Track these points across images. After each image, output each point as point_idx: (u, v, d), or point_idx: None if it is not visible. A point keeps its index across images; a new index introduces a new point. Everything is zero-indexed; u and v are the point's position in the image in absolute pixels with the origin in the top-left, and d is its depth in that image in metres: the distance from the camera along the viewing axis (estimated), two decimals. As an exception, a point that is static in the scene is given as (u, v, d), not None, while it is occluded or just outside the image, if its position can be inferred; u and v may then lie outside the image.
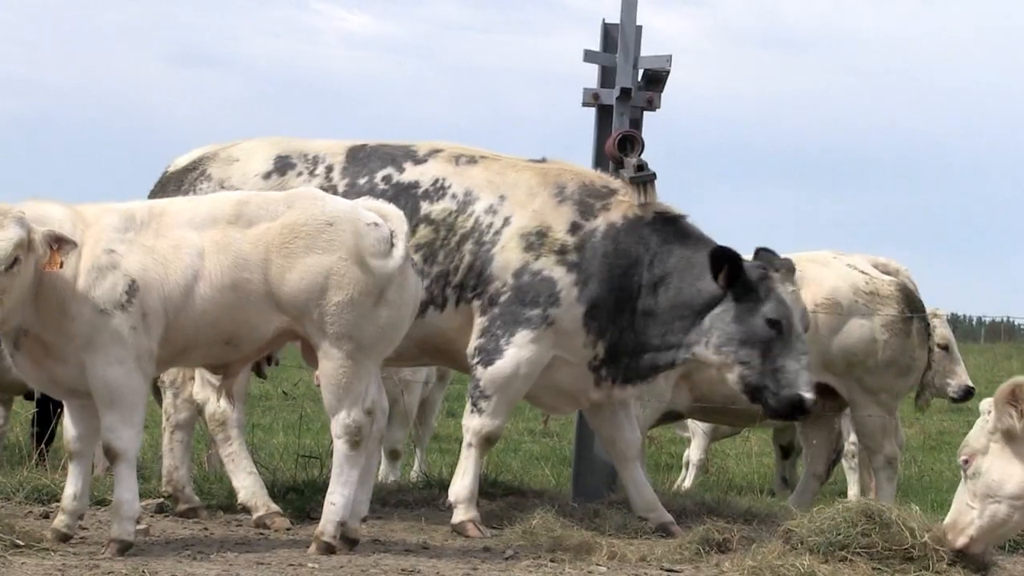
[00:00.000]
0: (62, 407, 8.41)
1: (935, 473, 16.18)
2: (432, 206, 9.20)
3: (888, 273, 11.25)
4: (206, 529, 8.86)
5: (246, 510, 9.14)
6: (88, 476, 8.19)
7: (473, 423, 9.14)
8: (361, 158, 9.40)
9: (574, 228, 9.12)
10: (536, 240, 9.07)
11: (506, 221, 9.13)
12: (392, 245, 7.99)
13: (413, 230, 9.06)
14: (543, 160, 9.53)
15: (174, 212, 8.02)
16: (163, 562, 7.57)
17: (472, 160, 9.39)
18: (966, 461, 7.82)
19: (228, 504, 9.43)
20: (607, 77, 10.58)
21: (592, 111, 10.67)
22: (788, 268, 9.16)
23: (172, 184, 9.47)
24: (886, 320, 10.81)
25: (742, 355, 8.96)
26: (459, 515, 9.01)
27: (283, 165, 9.38)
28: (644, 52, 10.49)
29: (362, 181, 9.27)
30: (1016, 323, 44.96)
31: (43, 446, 11.53)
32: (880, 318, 10.80)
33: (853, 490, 12.75)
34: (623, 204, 9.21)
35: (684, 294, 9.06)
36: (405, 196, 9.19)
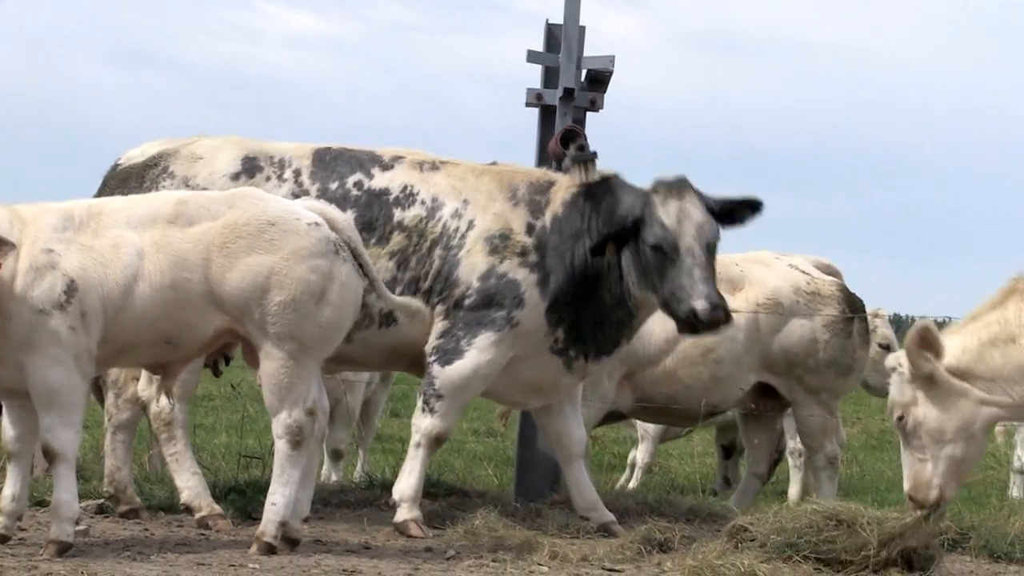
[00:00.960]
0: (0, 408, 8.36)
1: (876, 473, 16.31)
2: (404, 213, 9.21)
3: (830, 274, 11.32)
4: (147, 530, 8.82)
5: (188, 510, 9.09)
6: (27, 477, 8.14)
7: (424, 423, 9.12)
8: (328, 162, 9.37)
9: (529, 228, 9.15)
10: (500, 243, 9.09)
11: (470, 225, 9.14)
12: (334, 245, 7.99)
13: (387, 237, 9.11)
14: (494, 163, 9.55)
15: (112, 211, 7.97)
16: (103, 563, 7.53)
17: (434, 166, 9.40)
18: (900, 418, 7.88)
19: (169, 505, 9.39)
20: (550, 78, 10.60)
21: (535, 111, 10.70)
22: (672, 185, 8.97)
23: (133, 180, 9.36)
24: (827, 320, 10.88)
25: (649, 286, 8.94)
26: (402, 514, 9.00)
27: (251, 167, 9.33)
28: (587, 53, 10.52)
29: (334, 186, 9.25)
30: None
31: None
32: (821, 318, 10.87)
33: (794, 489, 12.82)
34: (560, 191, 9.24)
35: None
36: (378, 202, 9.20)
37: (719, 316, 8.80)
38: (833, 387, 11.09)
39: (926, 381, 7.79)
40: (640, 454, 14.49)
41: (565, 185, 9.28)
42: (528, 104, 10.66)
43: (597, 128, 10.43)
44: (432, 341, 9.09)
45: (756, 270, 10.96)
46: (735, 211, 9.11)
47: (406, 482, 9.09)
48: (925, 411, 7.80)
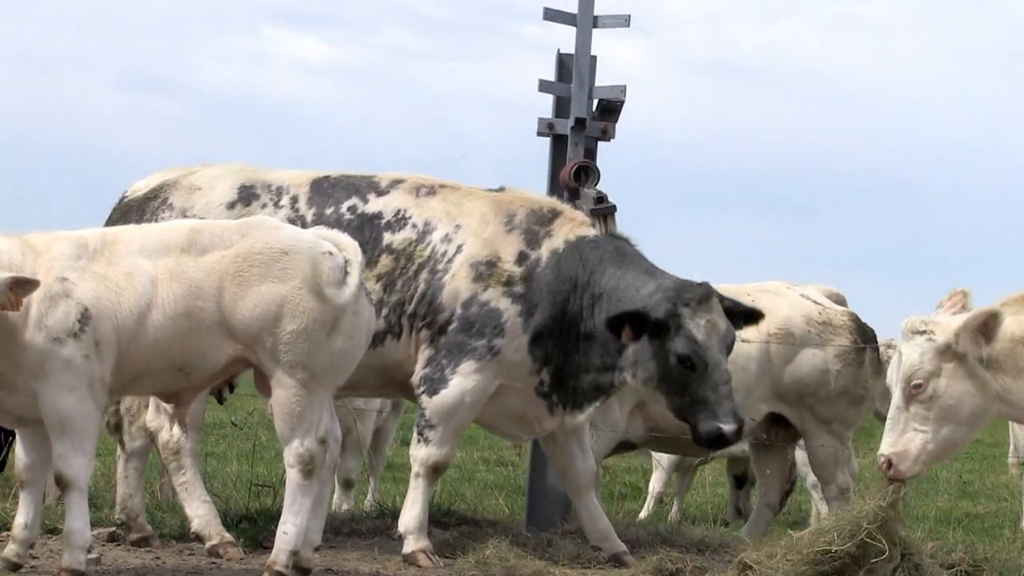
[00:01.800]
0: (14, 435, 8.36)
1: (888, 503, 16.22)
2: (393, 236, 9.23)
3: (840, 304, 11.30)
4: (158, 558, 8.82)
5: (199, 539, 9.09)
6: (39, 505, 8.15)
7: (420, 453, 9.13)
8: (326, 189, 9.41)
9: (521, 258, 9.14)
10: (485, 270, 9.08)
11: (458, 249, 9.14)
12: (347, 274, 7.99)
13: (375, 260, 9.12)
14: (502, 189, 9.55)
15: (126, 240, 7.99)
16: (114, 591, 7.53)
17: (431, 191, 9.41)
18: (919, 385, 7.73)
19: (181, 533, 9.39)
20: (562, 107, 10.62)
21: (547, 140, 10.71)
22: (701, 297, 8.96)
23: (134, 213, 9.44)
24: (839, 350, 10.86)
25: (663, 390, 8.95)
26: (410, 545, 8.99)
27: (247, 195, 9.37)
28: (599, 82, 10.54)
29: (328, 211, 9.28)
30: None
31: (-6, 474, 11.45)
32: (833, 348, 10.84)
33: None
34: (564, 227, 9.22)
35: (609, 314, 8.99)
36: (369, 227, 9.23)
37: (740, 437, 9.01)
38: (845, 417, 11.06)
39: (958, 358, 7.65)
40: (653, 483, 14.47)
41: (572, 222, 9.25)
42: (540, 133, 10.67)
43: (608, 157, 10.47)
44: (419, 371, 9.11)
45: (767, 300, 10.93)
46: (740, 317, 9.19)
47: (409, 513, 9.09)
48: (948, 386, 7.64)
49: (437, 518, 10.49)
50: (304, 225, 9.07)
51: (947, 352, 7.72)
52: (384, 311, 9.03)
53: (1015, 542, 10.97)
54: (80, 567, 7.77)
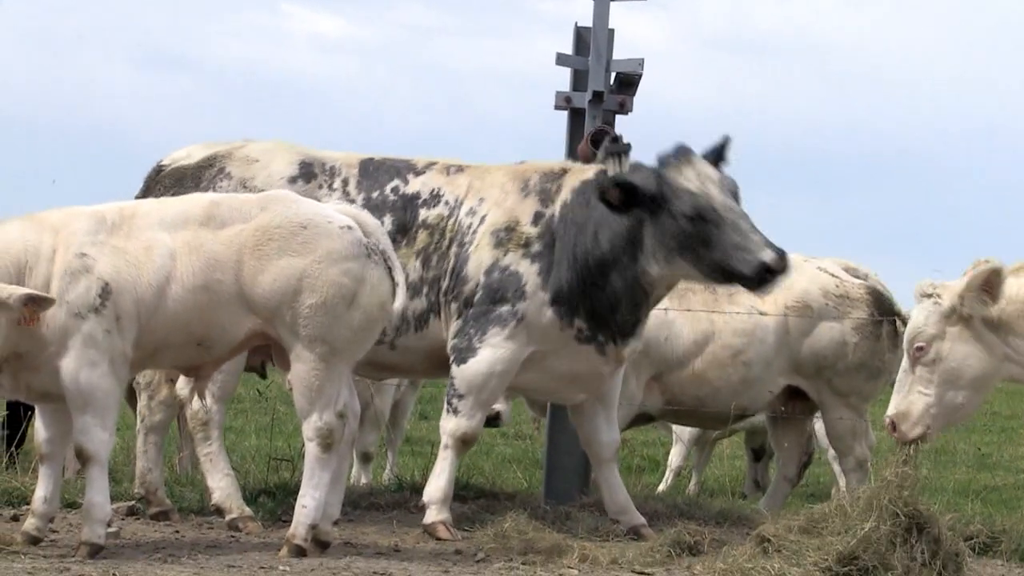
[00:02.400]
0: (33, 410, 8.39)
1: (906, 476, 16.24)
2: (428, 212, 9.30)
3: (857, 277, 11.29)
4: (177, 532, 8.85)
5: (219, 512, 9.11)
6: (59, 479, 8.18)
7: (449, 424, 9.13)
8: (371, 172, 9.49)
9: (536, 218, 9.16)
10: (504, 236, 9.10)
11: (482, 220, 9.20)
12: (366, 249, 8.00)
13: (415, 237, 9.20)
14: (522, 163, 9.57)
15: (144, 214, 8.00)
16: (134, 565, 7.56)
17: (460, 169, 9.50)
18: (921, 348, 7.73)
19: (200, 507, 9.42)
20: (579, 80, 10.60)
21: (564, 114, 10.69)
22: (677, 153, 8.91)
23: (189, 180, 9.40)
24: (856, 323, 10.86)
25: (691, 259, 8.83)
26: (431, 516, 9.00)
27: (308, 172, 9.41)
28: (616, 56, 10.52)
29: (375, 194, 9.37)
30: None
31: (13, 449, 11.49)
32: (850, 321, 10.84)
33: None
34: (571, 178, 9.24)
35: (615, 228, 8.98)
36: (410, 206, 9.31)
37: (787, 263, 8.73)
38: (862, 390, 11.06)
39: (963, 321, 7.62)
40: (672, 457, 14.48)
41: (581, 172, 9.27)
42: (557, 107, 10.65)
43: (626, 131, 10.40)
44: (449, 341, 9.12)
45: None
46: (720, 154, 9.10)
47: (435, 484, 9.09)
48: (951, 349, 7.63)
49: (456, 491, 10.48)
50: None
51: (952, 315, 7.70)
52: (424, 289, 9.10)
53: (1034, 514, 10.95)
54: (100, 541, 7.80)
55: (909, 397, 7.83)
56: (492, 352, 9.00)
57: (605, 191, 8.82)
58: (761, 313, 10.73)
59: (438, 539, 8.83)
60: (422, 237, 9.24)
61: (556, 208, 9.17)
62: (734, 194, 8.92)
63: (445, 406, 9.17)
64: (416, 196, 9.36)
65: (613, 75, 10.53)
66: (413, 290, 9.07)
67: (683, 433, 14.15)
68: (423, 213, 9.29)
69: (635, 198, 8.80)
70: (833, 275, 11.08)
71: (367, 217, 8.29)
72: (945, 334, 7.72)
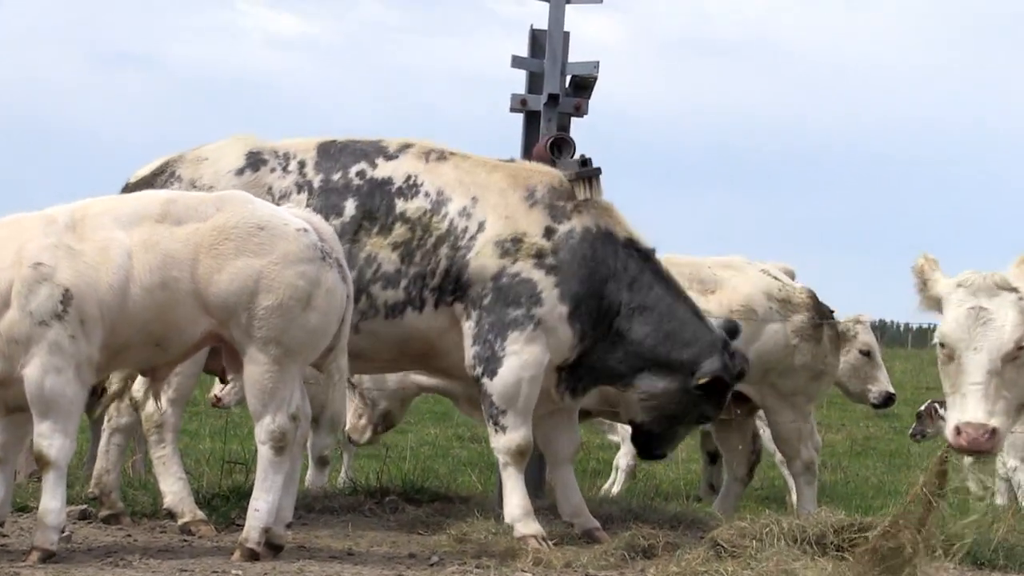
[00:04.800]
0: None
1: (861, 479, 16.30)
2: (407, 203, 9.09)
3: (791, 279, 11.35)
4: (130, 536, 8.80)
5: (171, 515, 9.07)
6: (11, 483, 8.13)
7: (500, 442, 8.99)
8: (333, 154, 9.29)
9: (548, 232, 9.03)
10: (512, 246, 8.97)
11: (480, 227, 9.02)
12: (322, 252, 7.97)
13: (390, 227, 9.03)
14: (511, 160, 9.49)
15: (96, 214, 7.92)
16: (85, 570, 7.52)
17: (442, 156, 9.28)
18: (1022, 348, 7.08)
19: (153, 511, 9.36)
20: (535, 83, 10.60)
21: (520, 116, 10.69)
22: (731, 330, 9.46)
23: (145, 189, 9.33)
24: (797, 326, 10.91)
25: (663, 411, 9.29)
26: (519, 531, 8.83)
27: (256, 161, 9.26)
28: (572, 58, 10.52)
29: (336, 176, 9.17)
30: (942, 329, 45.09)
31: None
32: (792, 324, 10.89)
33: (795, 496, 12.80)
34: (591, 208, 9.16)
35: (653, 340, 9.09)
36: (380, 192, 9.11)
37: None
38: (806, 391, 11.11)
39: None
40: (623, 458, 14.47)
41: (597, 210, 9.17)
42: (513, 109, 10.65)
43: (582, 133, 10.44)
44: (468, 348, 8.97)
45: (729, 275, 10.98)
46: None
47: (511, 503, 8.94)
48: None
49: (410, 495, 10.51)
50: (311, 191, 9.07)
51: None
52: (403, 282, 8.97)
53: (986, 515, 10.96)
54: (52, 547, 7.75)
55: (999, 403, 7.05)
56: (517, 359, 8.88)
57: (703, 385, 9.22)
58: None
59: (535, 552, 8.52)
60: (400, 230, 9.05)
61: (575, 227, 9.05)
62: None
63: (490, 425, 9.04)
64: (388, 182, 9.15)
65: (569, 78, 10.53)
66: (386, 280, 8.98)
67: (629, 433, 14.13)
68: (400, 204, 9.09)
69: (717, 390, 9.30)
70: (775, 278, 11.12)
71: (321, 222, 8.25)
72: None
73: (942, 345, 7.27)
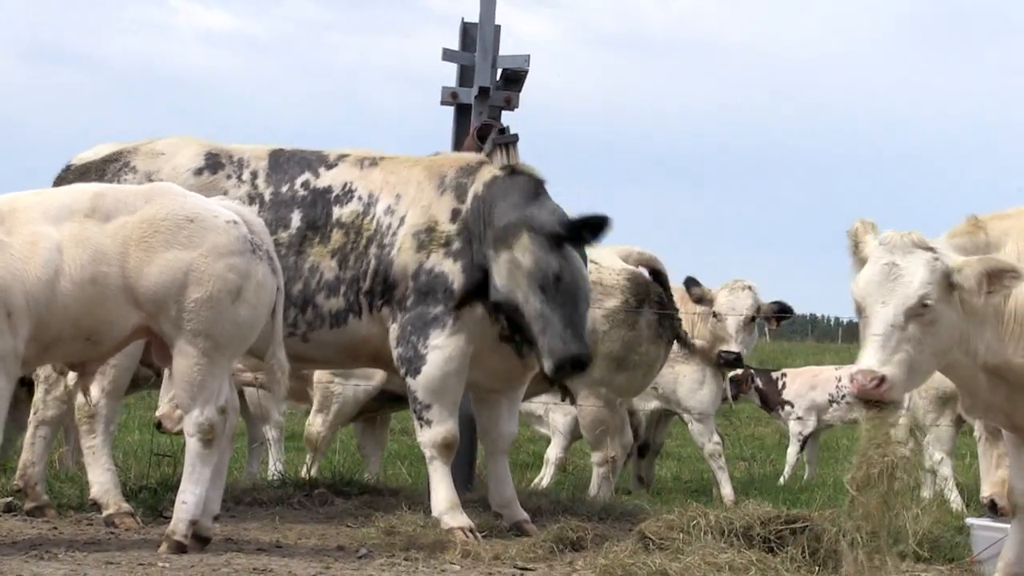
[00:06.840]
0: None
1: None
2: (342, 209, 9.19)
3: (645, 265, 11.24)
4: (55, 528, 8.75)
5: (97, 506, 9.02)
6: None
7: (426, 436, 9.02)
8: (282, 164, 9.38)
9: (454, 215, 9.09)
10: (425, 237, 9.02)
11: (401, 221, 9.10)
12: (252, 245, 7.95)
13: (328, 235, 9.11)
14: (438, 154, 9.51)
15: (25, 207, 7.86)
16: (10, 562, 7.45)
17: (373, 162, 9.39)
18: (927, 306, 7.09)
19: (79, 504, 9.31)
20: (466, 76, 10.61)
21: (451, 110, 10.69)
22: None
23: (93, 174, 9.27)
24: (607, 312, 10.84)
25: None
26: (448, 524, 8.84)
27: (214, 163, 9.32)
28: (503, 52, 10.54)
29: (284, 189, 9.28)
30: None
31: None
32: (602, 310, 10.81)
33: (726, 489, 12.84)
34: (486, 172, 9.20)
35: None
36: (321, 201, 9.21)
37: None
38: (612, 382, 11.06)
39: (952, 289, 7.13)
40: (552, 450, 14.49)
41: (491, 167, 9.22)
42: (443, 103, 10.66)
43: (512, 126, 10.43)
44: (394, 350, 9.02)
45: None
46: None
47: (438, 497, 8.97)
48: (944, 314, 7.07)
49: (340, 487, 10.49)
50: (263, 203, 9.12)
51: (946, 279, 7.15)
52: (342, 288, 9.02)
53: (910, 510, 11.03)
54: (-24, 538, 7.69)
55: (897, 355, 7.06)
56: (440, 353, 8.91)
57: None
58: None
59: (463, 544, 8.49)
60: (337, 236, 9.12)
61: (469, 203, 9.11)
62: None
63: (416, 421, 9.08)
64: (327, 191, 9.24)
65: (499, 71, 10.55)
66: (329, 289, 9.04)
67: (560, 426, 14.16)
68: (336, 211, 9.17)
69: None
70: (593, 261, 10.76)
71: (251, 215, 8.25)
72: (948, 298, 7.13)
73: (856, 303, 7.27)
